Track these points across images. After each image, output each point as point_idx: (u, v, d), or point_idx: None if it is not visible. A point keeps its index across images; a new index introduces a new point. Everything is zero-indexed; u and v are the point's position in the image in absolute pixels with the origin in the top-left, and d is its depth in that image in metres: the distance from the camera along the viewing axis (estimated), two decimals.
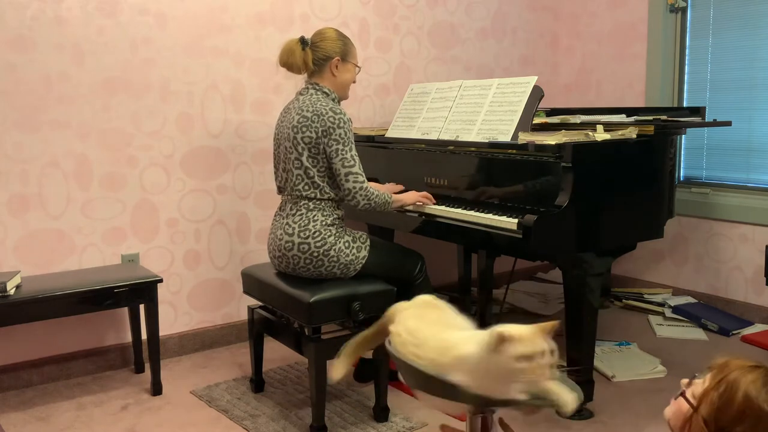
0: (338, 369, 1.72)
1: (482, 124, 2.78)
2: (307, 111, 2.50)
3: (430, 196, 2.81)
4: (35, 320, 2.68)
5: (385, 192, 2.60)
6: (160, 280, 2.82)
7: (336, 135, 2.47)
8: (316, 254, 2.47)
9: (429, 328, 1.54)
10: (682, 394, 1.22)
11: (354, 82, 2.71)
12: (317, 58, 2.59)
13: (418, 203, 2.78)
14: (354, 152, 2.51)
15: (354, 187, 2.48)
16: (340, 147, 2.47)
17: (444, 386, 1.39)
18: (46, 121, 2.84)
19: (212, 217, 3.27)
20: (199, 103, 3.18)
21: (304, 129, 2.49)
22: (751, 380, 1.11)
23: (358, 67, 2.71)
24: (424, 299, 1.66)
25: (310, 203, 2.51)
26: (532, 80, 2.72)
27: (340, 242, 2.50)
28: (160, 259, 3.15)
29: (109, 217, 3.01)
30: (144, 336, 2.88)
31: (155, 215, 3.12)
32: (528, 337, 1.31)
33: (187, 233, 3.21)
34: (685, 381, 1.24)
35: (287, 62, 2.61)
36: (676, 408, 1.23)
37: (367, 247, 2.55)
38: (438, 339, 1.49)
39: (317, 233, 2.47)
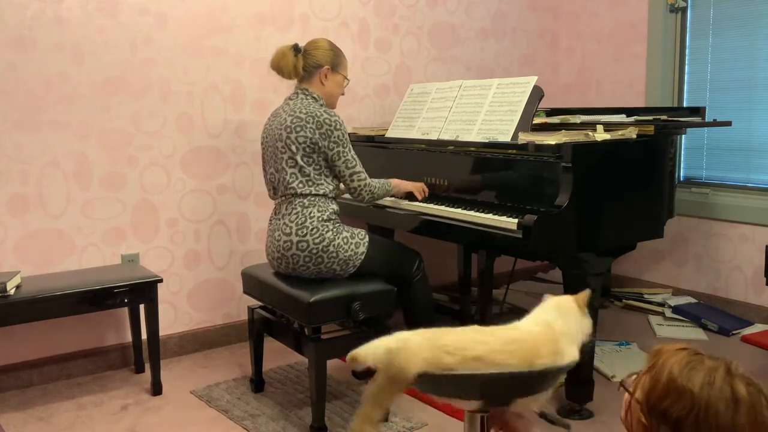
0: None
1: (482, 124, 2.78)
2: (301, 112, 2.54)
3: (425, 189, 2.90)
4: (35, 320, 2.68)
5: (386, 181, 2.72)
6: (160, 280, 2.82)
7: (335, 137, 2.51)
8: (315, 251, 2.48)
9: (510, 333, 1.54)
10: (622, 384, 1.27)
11: (342, 94, 2.77)
12: (308, 64, 2.64)
13: (415, 191, 2.87)
14: (353, 152, 2.58)
15: (359, 186, 2.59)
16: (341, 149, 2.53)
17: (558, 373, 1.49)
18: (46, 121, 2.84)
19: (212, 217, 3.27)
20: (199, 103, 3.18)
21: (298, 129, 2.51)
22: (675, 361, 1.18)
23: (347, 79, 2.75)
24: (411, 333, 1.57)
25: (305, 200, 2.52)
26: (532, 80, 2.72)
27: (338, 238, 2.50)
28: (160, 259, 3.15)
29: (109, 217, 3.01)
30: (144, 336, 2.88)
31: (155, 215, 3.12)
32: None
33: (187, 233, 3.21)
34: (630, 375, 1.31)
35: (278, 66, 2.65)
36: (623, 399, 1.29)
37: (366, 243, 2.56)
38: (539, 334, 1.52)
39: (315, 230, 2.48)
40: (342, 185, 2.64)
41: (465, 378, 1.45)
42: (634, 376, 1.28)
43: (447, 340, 1.49)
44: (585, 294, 1.66)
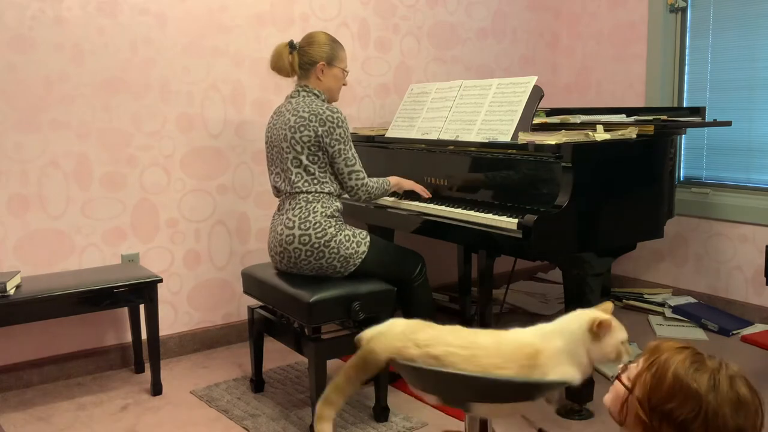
0: (324, 428, 1.59)
1: (482, 124, 2.78)
2: (304, 111, 2.54)
3: (426, 191, 2.90)
4: (35, 320, 2.68)
5: (384, 180, 2.71)
6: (160, 280, 2.82)
7: (337, 135, 2.53)
8: (317, 245, 2.48)
9: (481, 338, 1.57)
10: (618, 378, 1.27)
11: (345, 84, 2.77)
12: (303, 62, 2.65)
13: (417, 190, 2.88)
14: (353, 150, 2.59)
15: (356, 185, 2.59)
16: (342, 147, 2.54)
17: (529, 389, 1.49)
18: (46, 121, 2.84)
19: (212, 217, 3.27)
20: (199, 103, 3.18)
21: (302, 128, 2.52)
22: (680, 360, 1.17)
23: (346, 71, 2.74)
24: (401, 322, 1.64)
25: (309, 196, 2.54)
26: (532, 80, 2.72)
27: (340, 235, 2.51)
28: (160, 259, 3.15)
29: (109, 217, 3.01)
30: (144, 336, 2.88)
31: (155, 215, 3.12)
32: (618, 324, 1.54)
33: (187, 233, 3.21)
34: (621, 367, 1.30)
35: (276, 66, 2.69)
36: (614, 393, 1.28)
37: (367, 243, 2.57)
38: (512, 344, 1.54)
39: (318, 224, 2.49)
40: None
41: (422, 372, 1.52)
42: (623, 366, 1.28)
43: (421, 335, 1.57)
44: (597, 316, 1.55)
